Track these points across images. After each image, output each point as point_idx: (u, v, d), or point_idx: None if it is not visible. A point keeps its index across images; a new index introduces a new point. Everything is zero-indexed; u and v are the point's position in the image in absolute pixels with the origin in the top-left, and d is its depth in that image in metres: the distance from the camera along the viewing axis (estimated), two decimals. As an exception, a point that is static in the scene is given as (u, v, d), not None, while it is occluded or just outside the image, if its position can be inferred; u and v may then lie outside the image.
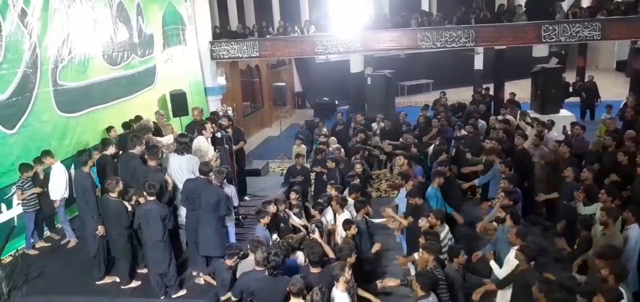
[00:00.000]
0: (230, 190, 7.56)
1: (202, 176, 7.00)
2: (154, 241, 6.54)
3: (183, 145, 7.65)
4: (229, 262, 5.85)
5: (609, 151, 8.63)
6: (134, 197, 6.93)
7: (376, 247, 6.53)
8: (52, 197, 8.18)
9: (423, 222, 6.36)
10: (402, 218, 7.23)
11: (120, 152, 8.22)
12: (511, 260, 5.59)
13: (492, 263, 5.97)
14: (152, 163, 7.27)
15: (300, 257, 5.93)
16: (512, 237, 5.74)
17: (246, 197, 10.14)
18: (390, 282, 5.87)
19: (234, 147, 9.26)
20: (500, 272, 5.84)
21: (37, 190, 8.04)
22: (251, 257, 5.80)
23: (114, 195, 6.75)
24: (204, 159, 7.86)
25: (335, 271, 4.91)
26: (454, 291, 5.47)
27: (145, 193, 6.50)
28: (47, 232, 8.76)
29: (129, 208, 6.87)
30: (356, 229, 6.26)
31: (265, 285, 5.11)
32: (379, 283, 5.90)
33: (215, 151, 8.59)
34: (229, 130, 9.34)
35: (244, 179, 10.28)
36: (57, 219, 8.71)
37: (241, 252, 6.06)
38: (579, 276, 5.99)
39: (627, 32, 13.65)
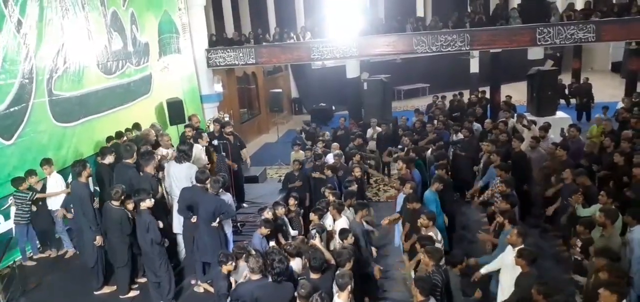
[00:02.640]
0: (227, 197, 7.54)
1: (198, 184, 7.00)
2: (144, 250, 6.62)
3: (182, 154, 7.67)
4: (224, 269, 5.80)
5: (608, 152, 8.65)
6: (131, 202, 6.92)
7: (377, 271, 6.41)
8: (52, 208, 8.16)
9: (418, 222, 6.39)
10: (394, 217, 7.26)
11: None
12: (509, 262, 5.54)
13: (484, 268, 5.94)
14: (148, 169, 7.26)
15: (294, 264, 5.88)
16: (512, 238, 5.68)
17: (244, 204, 10.13)
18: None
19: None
20: (490, 265, 5.86)
21: (42, 195, 8.00)
22: (242, 264, 5.80)
23: (116, 203, 6.73)
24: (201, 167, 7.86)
25: (343, 278, 4.84)
26: (452, 296, 5.45)
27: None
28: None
29: (130, 215, 6.85)
30: (353, 239, 6.23)
31: (269, 292, 5.02)
32: None
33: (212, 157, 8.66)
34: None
35: (242, 186, 10.28)
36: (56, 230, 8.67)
37: (234, 259, 5.99)
38: (579, 278, 5.99)
39: (622, 34, 13.71)
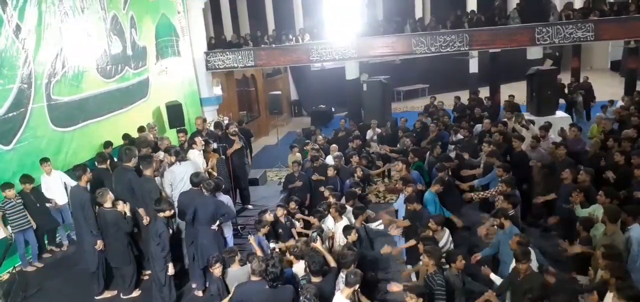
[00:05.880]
0: (226, 199, 7.52)
1: (194, 188, 6.99)
2: (152, 253, 6.60)
3: (181, 154, 7.74)
4: (215, 272, 5.78)
5: (612, 152, 8.60)
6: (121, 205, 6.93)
7: (386, 249, 6.45)
8: (60, 203, 8.29)
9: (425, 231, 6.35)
10: (401, 221, 7.20)
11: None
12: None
13: (493, 275, 5.90)
14: (147, 172, 7.25)
15: (298, 267, 5.86)
16: (513, 245, 5.68)
17: (249, 206, 10.12)
18: (395, 287, 5.78)
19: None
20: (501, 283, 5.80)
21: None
22: (234, 268, 5.81)
23: (108, 205, 6.74)
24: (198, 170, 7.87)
25: (356, 276, 4.85)
26: (454, 296, 5.43)
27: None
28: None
29: (128, 214, 6.87)
30: (357, 235, 6.23)
31: (266, 297, 4.99)
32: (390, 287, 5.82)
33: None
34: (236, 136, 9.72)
35: (246, 188, 10.29)
36: (58, 230, 8.72)
37: (223, 262, 5.95)
38: (580, 277, 5.96)
39: (620, 33, 13.74)
